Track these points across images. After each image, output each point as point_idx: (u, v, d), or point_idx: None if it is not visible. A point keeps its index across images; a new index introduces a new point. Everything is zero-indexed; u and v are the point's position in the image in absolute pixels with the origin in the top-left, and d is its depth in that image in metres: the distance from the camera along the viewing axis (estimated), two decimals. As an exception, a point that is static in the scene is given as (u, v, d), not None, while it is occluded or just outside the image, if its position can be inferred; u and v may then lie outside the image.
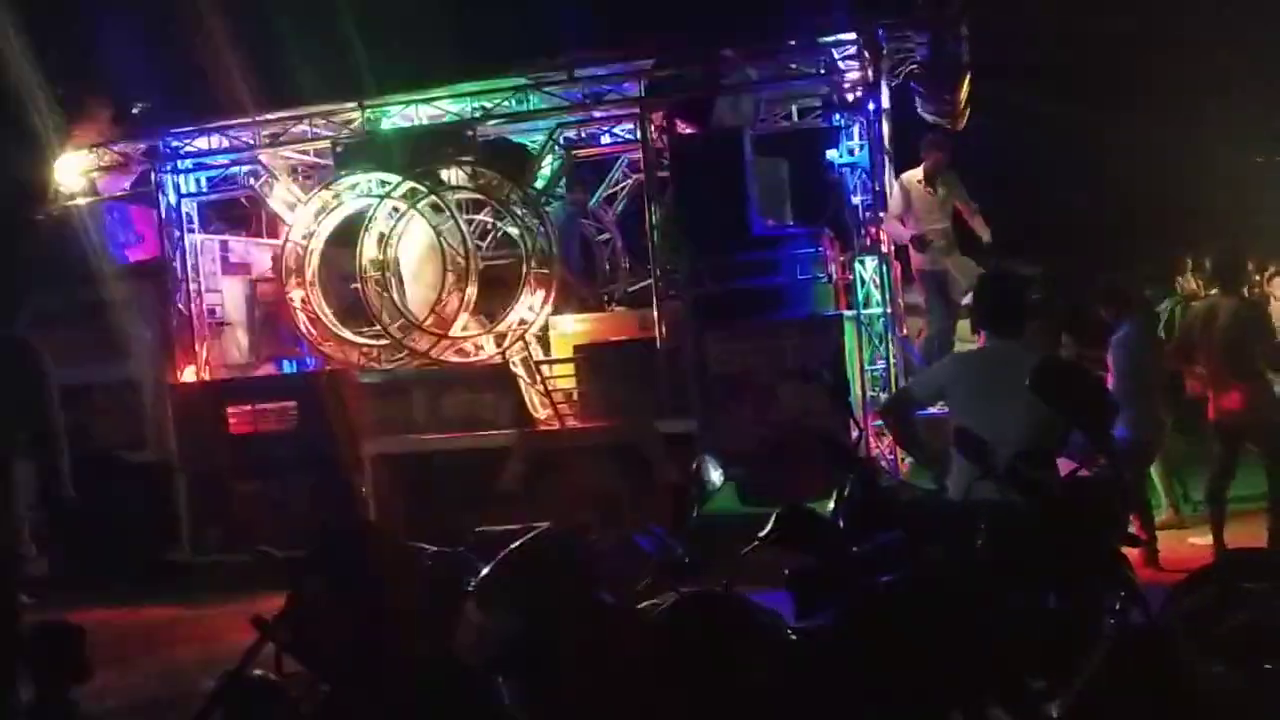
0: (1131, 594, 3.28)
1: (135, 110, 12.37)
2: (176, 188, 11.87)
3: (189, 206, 11.96)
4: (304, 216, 11.33)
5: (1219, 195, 19.57)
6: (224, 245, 12.29)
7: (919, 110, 10.87)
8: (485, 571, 4.08)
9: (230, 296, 12.19)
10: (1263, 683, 3.64)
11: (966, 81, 10.65)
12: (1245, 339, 8.80)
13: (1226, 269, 9.25)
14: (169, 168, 11.81)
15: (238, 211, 12.88)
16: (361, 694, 4.28)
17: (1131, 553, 4.79)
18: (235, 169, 12.13)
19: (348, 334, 11.35)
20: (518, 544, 4.01)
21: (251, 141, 11.62)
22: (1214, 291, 9.53)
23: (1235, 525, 9.80)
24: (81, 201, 11.99)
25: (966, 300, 10.63)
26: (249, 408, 11.13)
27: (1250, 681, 3.62)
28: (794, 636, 3.79)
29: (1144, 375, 9.05)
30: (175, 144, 11.84)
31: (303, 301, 11.32)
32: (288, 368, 12.24)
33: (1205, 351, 8.91)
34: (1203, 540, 9.28)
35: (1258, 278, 15.55)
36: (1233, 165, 20.47)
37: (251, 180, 11.95)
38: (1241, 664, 3.66)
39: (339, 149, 11.25)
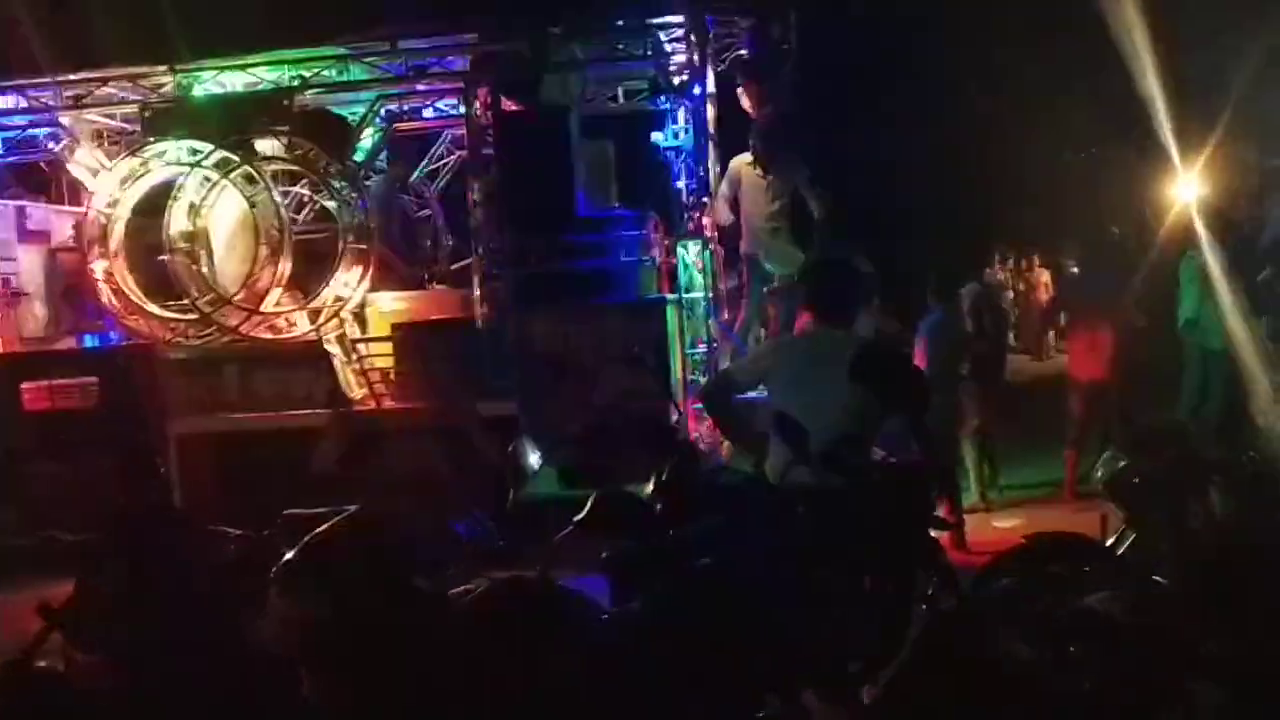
0: (945, 578, 3.31)
1: None
2: (-32, 149, 11.22)
3: (-18, 169, 11.33)
4: (108, 184, 10.78)
5: (1032, 189, 20.36)
6: (21, 211, 11.61)
7: (740, 98, 10.91)
8: (289, 556, 3.90)
9: (28, 266, 11.51)
10: (1068, 665, 3.73)
11: (790, 72, 10.75)
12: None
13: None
14: (-41, 128, 11.16)
15: (37, 176, 12.22)
16: (155, 686, 4.07)
17: (940, 536, 4.90)
18: (34, 131, 11.51)
19: (154, 308, 10.84)
20: (324, 527, 3.84)
21: (52, 103, 11.03)
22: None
23: (1035, 510, 10.20)
24: None
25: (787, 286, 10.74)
26: (45, 383, 10.59)
27: (1056, 664, 3.71)
28: (608, 622, 3.73)
29: (952, 361, 9.32)
30: (-33, 103, 11.18)
31: (106, 273, 10.77)
32: (89, 342, 11.69)
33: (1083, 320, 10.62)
34: (1008, 524, 9.60)
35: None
36: (1045, 162, 21.31)
37: (52, 144, 11.35)
38: (1048, 646, 3.74)
39: (148, 114, 10.74)
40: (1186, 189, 14.59)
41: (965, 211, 20.82)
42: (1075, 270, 11.01)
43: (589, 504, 4.51)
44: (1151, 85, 15.32)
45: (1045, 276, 22.11)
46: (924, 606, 3.31)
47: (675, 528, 4.51)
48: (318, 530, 3.87)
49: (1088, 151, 21.98)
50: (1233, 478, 5.29)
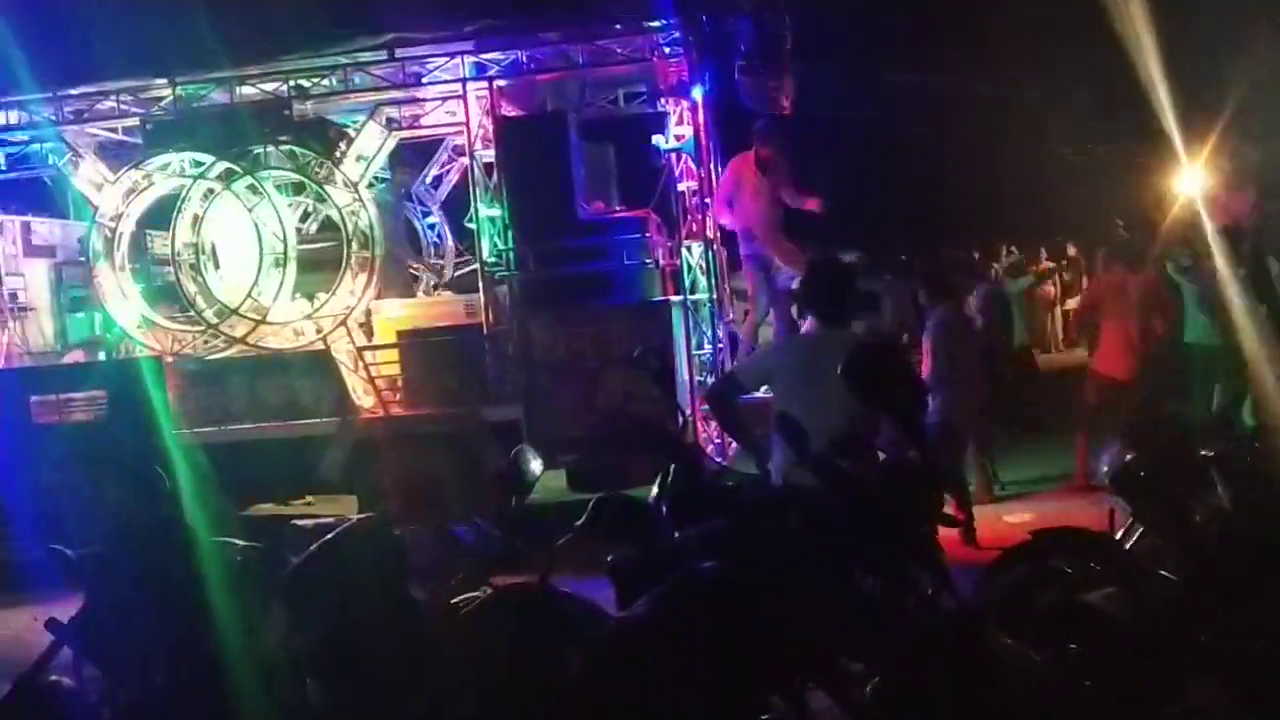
0: (941, 578, 3.32)
1: None
2: (-30, 166, 11.27)
3: (-15, 185, 11.37)
4: (112, 197, 10.84)
5: (1031, 187, 20.35)
6: (26, 226, 11.68)
7: (741, 98, 10.92)
8: (294, 565, 3.93)
9: (34, 280, 11.60)
10: (1070, 662, 3.73)
11: (788, 71, 10.75)
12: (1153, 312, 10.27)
13: (1132, 249, 10.70)
14: (-39, 144, 11.21)
15: (41, 191, 12.26)
16: (164, 699, 4.10)
17: (950, 532, 4.91)
18: (36, 146, 11.55)
19: (160, 320, 10.91)
20: (328, 537, 3.86)
21: (54, 117, 11.07)
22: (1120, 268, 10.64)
23: (1045, 503, 10.18)
24: None
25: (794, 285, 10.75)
26: (54, 397, 10.62)
27: (1058, 661, 3.71)
28: (613, 627, 3.74)
29: (960, 359, 9.31)
30: (-32, 119, 11.21)
31: (112, 286, 10.83)
32: (97, 355, 11.73)
33: (1112, 320, 10.27)
34: (1018, 518, 9.59)
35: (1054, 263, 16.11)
36: (1043, 160, 21.30)
37: (55, 159, 11.39)
38: (1050, 644, 3.74)
39: (149, 127, 10.78)
40: (1188, 185, 14.55)
41: (969, 208, 20.83)
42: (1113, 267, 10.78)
43: (591, 508, 4.52)
44: (1155, 81, 15.29)
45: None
46: (923, 606, 3.32)
47: (680, 531, 4.51)
48: (323, 540, 3.89)
49: (1089, 147, 21.98)
50: (1234, 470, 5.28)
